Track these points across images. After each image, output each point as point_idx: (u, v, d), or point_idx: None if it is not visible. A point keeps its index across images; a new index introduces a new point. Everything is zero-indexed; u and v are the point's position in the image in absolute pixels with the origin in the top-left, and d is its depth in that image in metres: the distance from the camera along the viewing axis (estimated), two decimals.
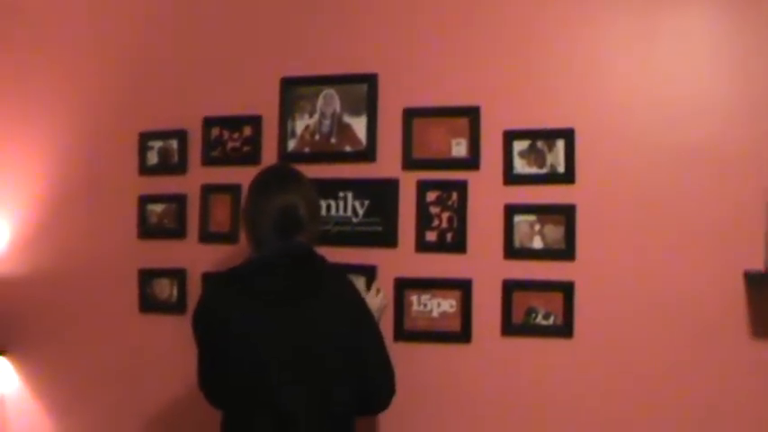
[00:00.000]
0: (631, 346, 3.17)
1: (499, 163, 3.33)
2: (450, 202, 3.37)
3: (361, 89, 3.49)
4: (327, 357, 2.73)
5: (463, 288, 3.34)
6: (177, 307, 3.67)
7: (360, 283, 3.33)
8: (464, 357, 3.34)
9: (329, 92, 3.54)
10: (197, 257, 3.65)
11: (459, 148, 3.38)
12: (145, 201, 3.75)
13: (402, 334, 3.39)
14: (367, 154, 3.47)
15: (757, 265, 3.03)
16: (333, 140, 3.52)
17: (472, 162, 3.36)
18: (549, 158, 3.28)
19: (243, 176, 3.37)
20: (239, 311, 2.73)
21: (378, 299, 3.17)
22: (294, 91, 3.58)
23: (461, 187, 3.36)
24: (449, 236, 3.37)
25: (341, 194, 3.49)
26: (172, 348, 3.61)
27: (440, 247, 3.38)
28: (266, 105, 3.61)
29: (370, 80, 3.48)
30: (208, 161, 3.67)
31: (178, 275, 3.68)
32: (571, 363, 3.23)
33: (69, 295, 3.85)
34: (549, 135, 3.28)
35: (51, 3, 3.97)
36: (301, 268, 2.79)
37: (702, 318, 3.11)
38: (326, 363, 2.73)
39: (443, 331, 3.36)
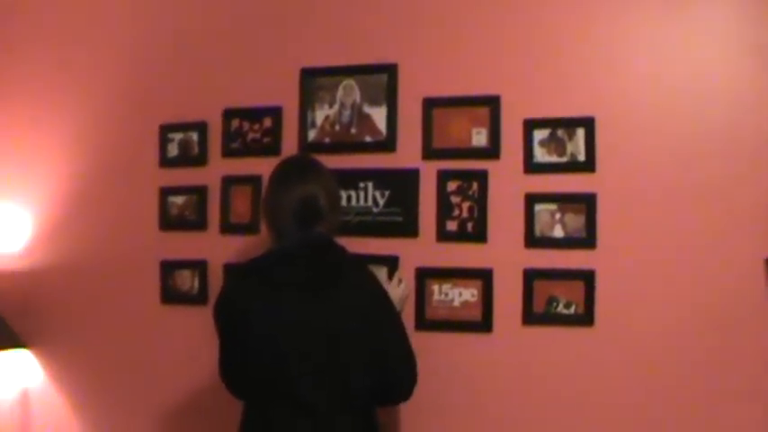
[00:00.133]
0: (652, 335, 3.16)
1: (519, 152, 3.32)
2: (470, 192, 3.36)
3: (381, 79, 3.49)
4: (347, 348, 2.73)
5: (484, 277, 3.33)
6: (199, 298, 3.68)
7: (382, 272, 3.32)
8: (485, 346, 3.33)
9: (349, 82, 3.54)
10: (218, 249, 3.66)
11: (480, 138, 3.37)
12: (166, 193, 3.76)
13: (423, 323, 3.39)
14: (387, 144, 3.47)
15: None
16: (353, 131, 3.52)
17: (492, 151, 3.35)
18: (570, 147, 3.27)
19: (263, 167, 3.38)
20: (260, 302, 2.74)
21: (400, 289, 3.17)
22: (314, 81, 3.57)
23: (482, 176, 3.36)
24: (469, 225, 3.37)
25: (361, 185, 3.49)
26: (193, 339, 3.63)
27: (460, 236, 3.38)
28: (286, 96, 3.61)
29: (390, 70, 3.48)
30: (228, 153, 3.68)
31: (199, 267, 3.69)
32: (592, 351, 3.22)
33: (91, 288, 3.87)
34: (570, 124, 3.27)
35: None
36: (321, 259, 2.79)
37: (723, 305, 3.10)
38: (347, 353, 2.73)
39: (464, 321, 3.36)
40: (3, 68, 4.06)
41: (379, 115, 3.49)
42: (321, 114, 3.56)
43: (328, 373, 2.71)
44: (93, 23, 3.93)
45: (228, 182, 3.66)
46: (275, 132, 3.62)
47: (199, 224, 3.70)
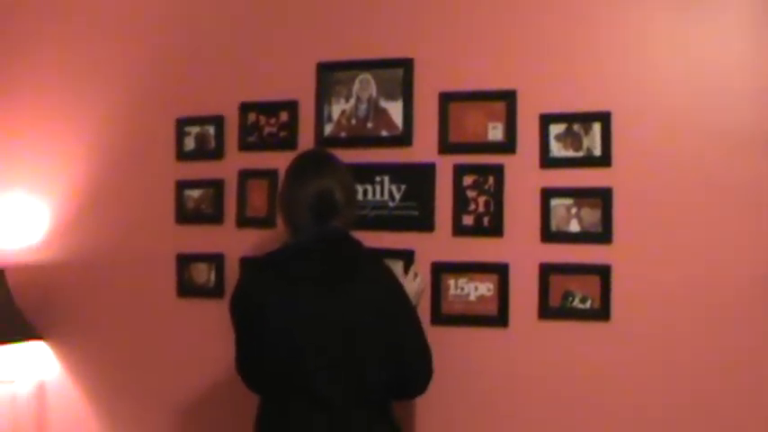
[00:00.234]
0: (669, 329, 3.16)
1: (535, 146, 3.32)
2: (486, 186, 3.36)
3: (397, 73, 3.49)
4: (363, 342, 2.73)
5: (500, 272, 3.33)
6: (215, 291, 3.69)
7: (398, 267, 3.33)
8: (501, 341, 3.34)
9: (365, 76, 3.54)
10: (234, 242, 3.67)
11: (496, 132, 3.37)
12: (182, 186, 3.77)
13: (439, 318, 3.39)
14: (403, 138, 3.47)
15: None
16: (369, 125, 3.53)
17: (509, 146, 3.35)
18: (586, 142, 3.26)
19: (280, 161, 3.39)
20: (276, 296, 2.75)
21: (415, 283, 3.17)
22: (330, 76, 3.58)
23: (498, 171, 3.35)
24: (485, 220, 3.36)
25: (377, 179, 3.49)
26: (210, 332, 3.64)
27: (476, 230, 3.38)
28: (302, 90, 3.61)
29: (406, 64, 3.48)
30: (244, 146, 3.69)
31: (216, 260, 3.70)
32: (608, 346, 3.22)
33: (108, 281, 3.88)
34: (586, 118, 3.26)
35: None
36: (337, 253, 2.80)
37: (739, 301, 3.09)
38: (362, 347, 2.73)
39: (480, 315, 3.36)
40: (26, 63, 4.07)
41: (395, 109, 3.49)
42: (337, 108, 3.56)
43: (344, 367, 2.71)
44: (110, 20, 3.93)
45: (245, 175, 3.67)
46: (292, 126, 3.62)
47: (215, 218, 3.71)
